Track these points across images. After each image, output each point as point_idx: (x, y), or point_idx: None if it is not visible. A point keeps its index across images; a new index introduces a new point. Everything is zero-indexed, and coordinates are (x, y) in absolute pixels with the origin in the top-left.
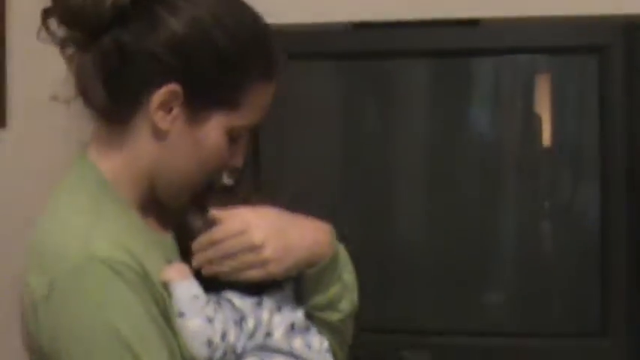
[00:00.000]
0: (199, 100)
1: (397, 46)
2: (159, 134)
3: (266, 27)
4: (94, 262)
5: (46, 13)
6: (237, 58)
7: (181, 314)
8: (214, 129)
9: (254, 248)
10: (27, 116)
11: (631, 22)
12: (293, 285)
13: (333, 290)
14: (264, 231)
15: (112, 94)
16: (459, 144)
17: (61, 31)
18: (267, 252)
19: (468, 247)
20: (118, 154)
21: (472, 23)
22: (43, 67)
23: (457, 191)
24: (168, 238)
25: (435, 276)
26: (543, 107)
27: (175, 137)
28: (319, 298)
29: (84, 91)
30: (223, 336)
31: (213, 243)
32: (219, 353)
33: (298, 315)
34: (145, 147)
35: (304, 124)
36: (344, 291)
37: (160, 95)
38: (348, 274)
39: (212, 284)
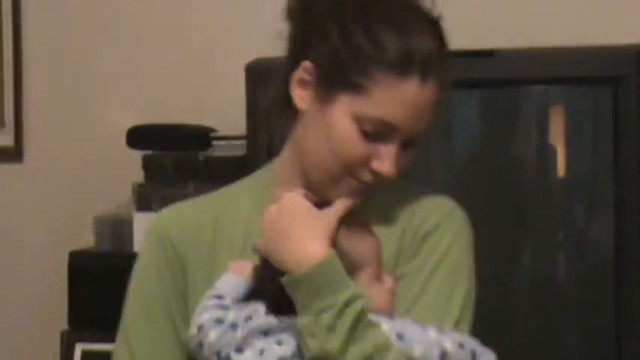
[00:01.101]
0: (328, 80)
1: None
2: (301, 115)
3: (414, 23)
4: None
5: None
6: (366, 41)
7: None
8: (341, 113)
9: None
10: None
11: None
12: None
13: (302, 320)
14: None
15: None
16: (471, 175)
17: None
18: None
19: (480, 276)
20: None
21: (487, 54)
22: (59, 103)
23: (470, 221)
24: None
25: None
26: (557, 137)
27: (311, 118)
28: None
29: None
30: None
31: None
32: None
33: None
34: (294, 130)
35: None
36: (315, 327)
37: (296, 73)
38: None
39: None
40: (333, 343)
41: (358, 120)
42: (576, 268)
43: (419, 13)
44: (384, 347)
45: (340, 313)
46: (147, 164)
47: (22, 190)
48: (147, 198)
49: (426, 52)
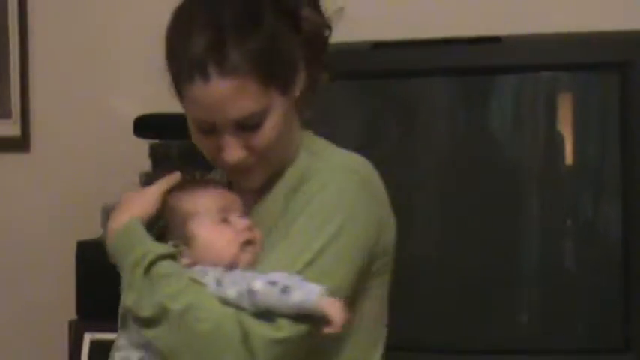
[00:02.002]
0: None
1: (418, 65)
2: None
3: (173, 43)
4: None
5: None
6: (170, 58)
7: None
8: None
9: None
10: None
11: None
12: None
13: None
14: None
15: None
16: (480, 162)
17: None
18: None
19: (490, 265)
20: None
21: (494, 40)
22: (65, 93)
23: (479, 210)
24: None
25: (457, 294)
26: (565, 124)
27: None
28: None
29: None
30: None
31: None
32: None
33: None
34: None
35: None
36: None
37: None
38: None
39: None
40: (131, 298)
41: (194, 124)
42: (584, 255)
43: (198, 16)
44: (177, 294)
45: (132, 271)
46: (154, 153)
47: (30, 180)
48: None
49: (196, 55)
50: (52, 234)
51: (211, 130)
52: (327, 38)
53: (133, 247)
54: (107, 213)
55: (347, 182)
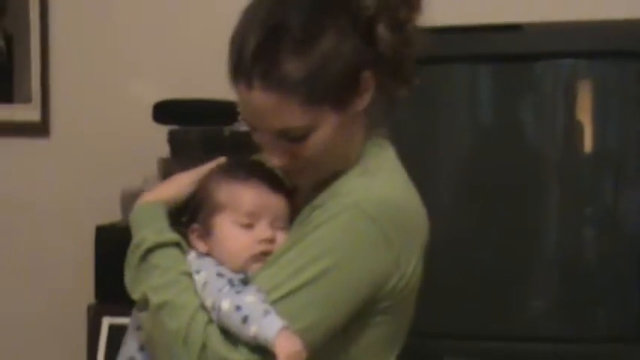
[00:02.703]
0: None
1: (438, 52)
2: None
3: (234, 34)
4: None
5: None
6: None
7: None
8: None
9: None
10: (69, 126)
11: None
12: None
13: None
14: None
15: None
16: (500, 150)
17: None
18: None
19: (510, 252)
20: None
21: (514, 28)
22: (85, 78)
23: (499, 197)
24: None
25: (477, 281)
26: (585, 112)
27: None
28: None
29: None
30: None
31: None
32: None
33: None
34: None
35: None
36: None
37: None
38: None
39: None
40: (127, 277)
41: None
42: (604, 243)
43: (261, 10)
44: (160, 287)
45: (132, 253)
46: (173, 139)
47: (49, 165)
48: (172, 173)
49: (244, 58)
50: (71, 219)
51: (256, 129)
52: (407, 55)
53: (140, 228)
54: (126, 198)
55: (353, 222)
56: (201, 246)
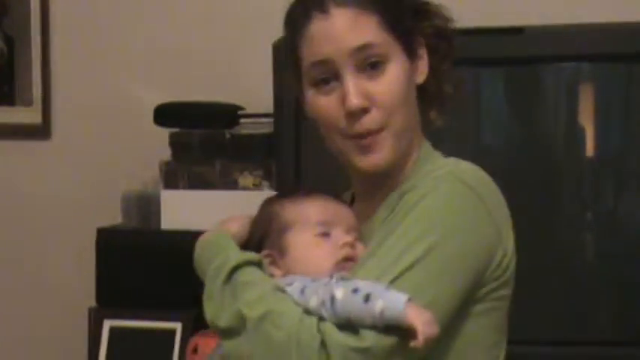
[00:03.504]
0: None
1: None
2: None
3: None
4: None
5: None
6: (285, 18)
7: None
8: (305, 88)
9: None
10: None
11: None
12: None
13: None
14: None
15: None
16: (500, 153)
17: None
18: None
19: None
20: None
21: (516, 31)
22: (86, 80)
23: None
24: None
25: None
26: (587, 115)
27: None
28: None
29: None
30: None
31: None
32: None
33: None
34: None
35: None
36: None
37: None
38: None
39: None
40: (210, 309)
41: (308, 78)
42: (607, 246)
43: None
44: (256, 301)
45: (212, 281)
46: (174, 142)
47: (50, 167)
48: (174, 175)
49: None
50: (72, 221)
51: (330, 75)
52: (452, 44)
53: (216, 255)
54: (127, 200)
55: (454, 192)
56: (276, 271)
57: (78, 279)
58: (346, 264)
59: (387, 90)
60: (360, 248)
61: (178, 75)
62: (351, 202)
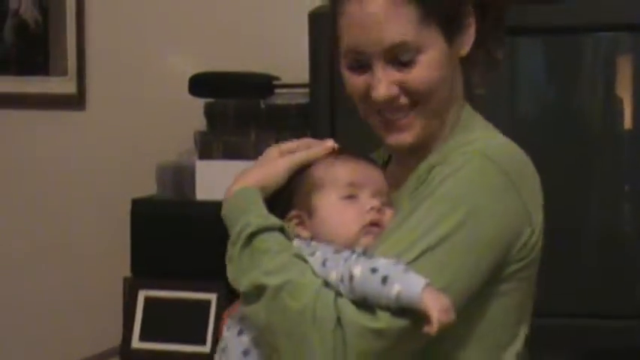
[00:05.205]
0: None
1: None
2: None
3: None
4: None
5: None
6: None
7: None
8: (342, 61)
9: None
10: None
11: None
12: None
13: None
14: None
15: None
16: (536, 125)
17: None
18: None
19: (548, 229)
20: None
21: (555, 0)
22: (121, 50)
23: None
24: None
25: None
26: (624, 87)
27: None
28: None
29: None
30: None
31: None
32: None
33: None
34: None
35: None
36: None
37: None
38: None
39: None
40: (230, 272)
41: (344, 59)
42: None
43: None
44: (276, 270)
45: (232, 245)
46: (209, 112)
47: (85, 137)
48: (209, 146)
49: None
50: (107, 192)
51: (363, 63)
52: (503, 12)
53: (237, 219)
54: (162, 171)
55: (481, 170)
56: (304, 232)
57: (113, 249)
58: (372, 228)
59: (419, 78)
60: (388, 213)
61: (214, 45)
62: (386, 163)
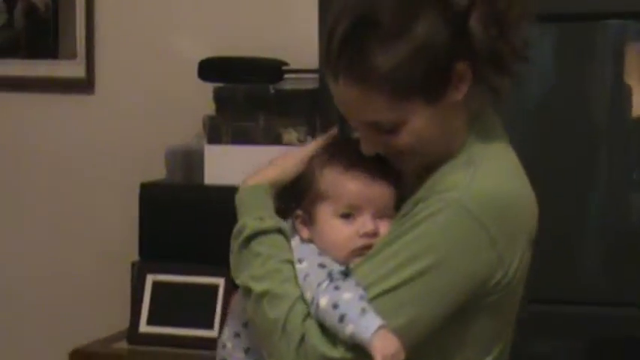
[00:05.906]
0: None
1: None
2: None
3: (327, 21)
4: None
5: None
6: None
7: None
8: None
9: None
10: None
11: None
12: None
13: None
14: None
15: None
16: (545, 111)
17: None
18: None
19: (557, 217)
20: None
21: None
22: (131, 34)
23: (544, 161)
24: None
25: None
26: (633, 75)
27: None
28: None
29: None
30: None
31: None
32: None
33: None
34: None
35: None
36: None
37: None
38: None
39: None
40: (231, 265)
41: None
42: None
43: (345, 4)
44: (261, 277)
45: (234, 240)
46: (218, 96)
47: (94, 121)
48: (218, 130)
49: (331, 47)
50: (115, 175)
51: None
52: (505, 47)
53: (242, 214)
54: (171, 155)
55: (456, 223)
56: (304, 232)
57: (121, 233)
58: (364, 252)
59: (404, 143)
60: (383, 230)
61: (223, 29)
62: None
